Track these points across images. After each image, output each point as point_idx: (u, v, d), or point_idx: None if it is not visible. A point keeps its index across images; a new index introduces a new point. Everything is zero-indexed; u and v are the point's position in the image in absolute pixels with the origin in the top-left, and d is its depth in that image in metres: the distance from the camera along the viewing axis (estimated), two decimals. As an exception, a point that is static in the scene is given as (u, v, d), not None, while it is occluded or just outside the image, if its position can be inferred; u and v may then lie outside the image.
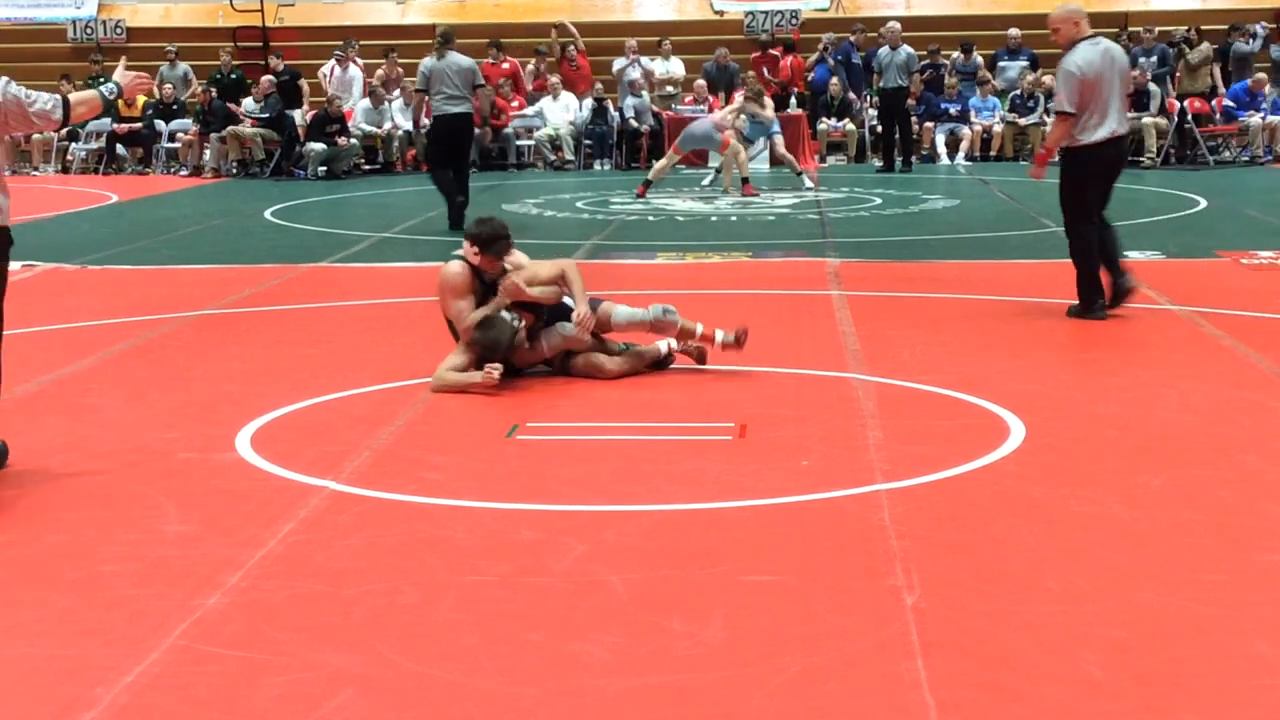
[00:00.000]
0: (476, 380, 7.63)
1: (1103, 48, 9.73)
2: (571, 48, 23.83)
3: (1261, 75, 22.12)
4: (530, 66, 23.80)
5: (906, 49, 21.40)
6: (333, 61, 23.47)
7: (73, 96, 6.55)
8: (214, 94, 23.11)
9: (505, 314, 7.80)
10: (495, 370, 7.60)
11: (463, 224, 14.74)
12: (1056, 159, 10.03)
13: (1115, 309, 9.72)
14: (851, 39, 23.47)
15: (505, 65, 23.40)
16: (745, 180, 18.33)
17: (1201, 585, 4.84)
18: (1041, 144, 10.01)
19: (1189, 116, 21.65)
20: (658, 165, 18.72)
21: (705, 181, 19.72)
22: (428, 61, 15.18)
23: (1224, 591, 4.78)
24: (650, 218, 16.32)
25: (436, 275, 8.05)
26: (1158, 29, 23.03)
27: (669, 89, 23.52)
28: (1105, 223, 9.98)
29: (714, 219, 16.10)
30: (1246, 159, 21.76)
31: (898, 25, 21.94)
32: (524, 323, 7.88)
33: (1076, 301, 9.79)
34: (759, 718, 3.94)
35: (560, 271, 7.95)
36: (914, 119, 22.27)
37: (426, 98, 15.37)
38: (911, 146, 21.73)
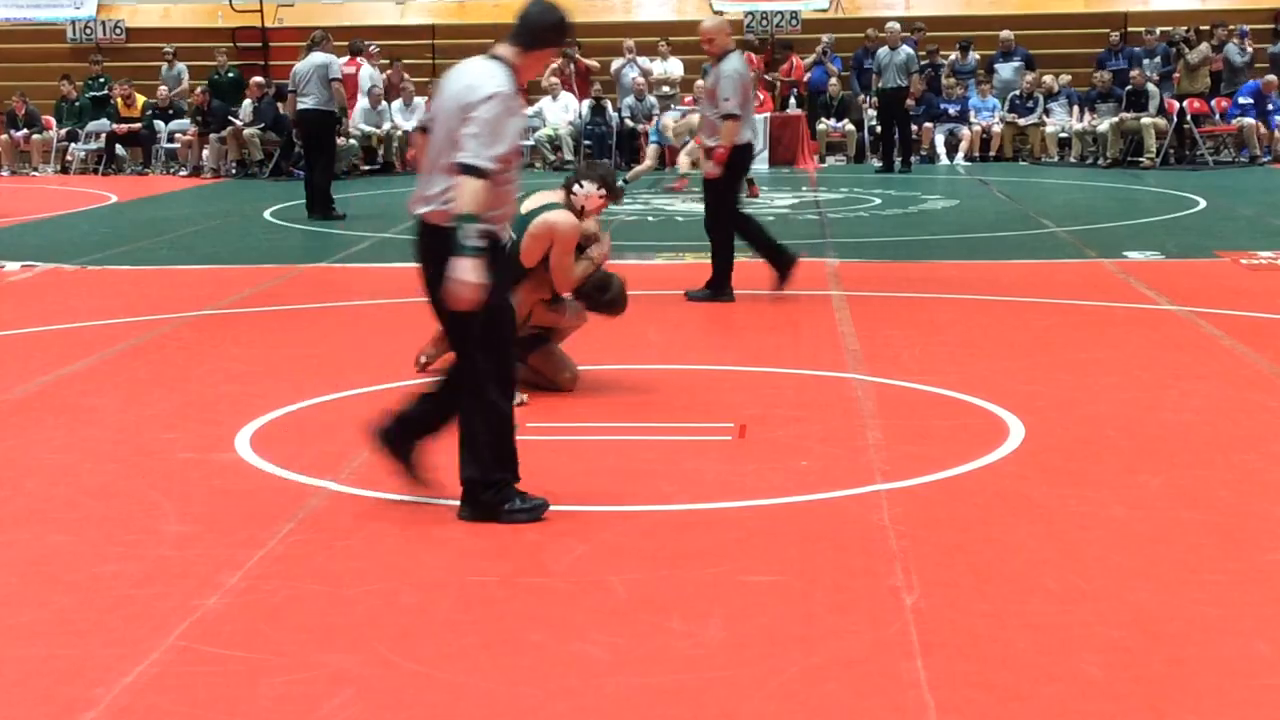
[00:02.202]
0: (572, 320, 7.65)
1: (743, 57, 10.62)
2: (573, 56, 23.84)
3: (1271, 77, 22.09)
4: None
5: (906, 49, 21.39)
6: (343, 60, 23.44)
7: None
8: (211, 95, 23.08)
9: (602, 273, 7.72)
10: (521, 400, 7.35)
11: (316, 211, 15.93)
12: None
13: (786, 284, 10.35)
14: (867, 45, 23.42)
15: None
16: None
17: (1201, 585, 4.85)
18: (710, 146, 10.41)
19: (1188, 117, 21.64)
20: (683, 161, 18.58)
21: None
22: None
23: (1224, 591, 4.79)
24: (650, 218, 16.32)
25: (543, 225, 7.43)
26: (1158, 29, 23.01)
27: (665, 89, 23.51)
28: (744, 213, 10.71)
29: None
30: (1245, 159, 21.76)
31: (897, 25, 21.94)
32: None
33: (779, 285, 10.40)
34: (759, 718, 3.94)
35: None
36: (913, 120, 22.30)
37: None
38: (911, 147, 21.73)
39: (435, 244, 5.46)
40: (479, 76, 5.40)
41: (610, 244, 7.82)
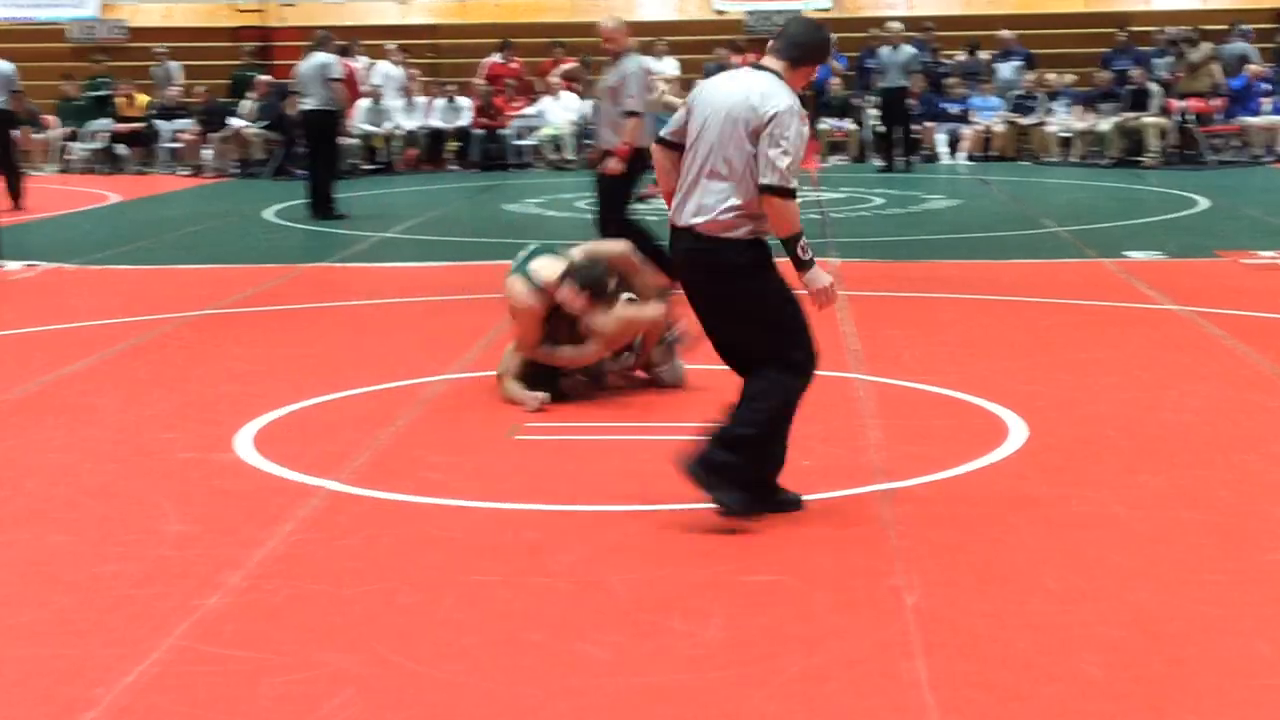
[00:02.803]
0: (525, 402, 7.37)
1: (641, 57, 10.69)
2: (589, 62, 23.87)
3: (1254, 66, 22.08)
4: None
5: (908, 48, 21.39)
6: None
7: None
8: (231, 94, 23.09)
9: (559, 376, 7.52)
10: (544, 400, 7.36)
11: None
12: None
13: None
14: (871, 44, 23.37)
15: (514, 65, 23.42)
16: None
17: (1201, 585, 4.85)
18: (613, 143, 10.39)
19: (1190, 116, 21.63)
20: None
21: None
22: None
23: (1224, 591, 4.78)
24: (650, 218, 16.30)
25: (507, 284, 7.51)
26: (1167, 29, 22.99)
27: (661, 86, 23.48)
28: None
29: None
30: (1247, 159, 21.75)
31: (899, 25, 21.93)
32: (583, 378, 7.61)
33: None
34: (759, 717, 3.94)
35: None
36: (914, 119, 22.30)
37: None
38: (913, 146, 21.71)
39: (714, 255, 5.42)
40: (767, 89, 5.36)
41: (592, 357, 7.53)
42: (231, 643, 4.45)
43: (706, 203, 5.40)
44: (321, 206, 16.27)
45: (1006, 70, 23.28)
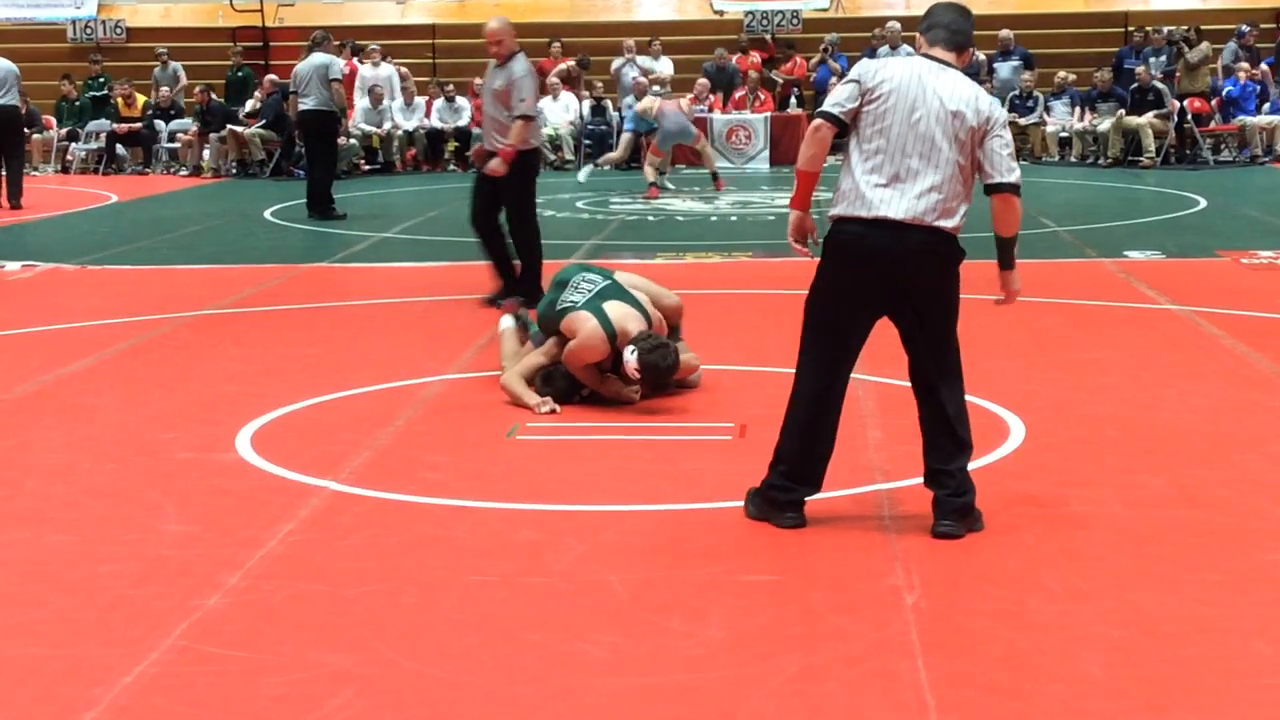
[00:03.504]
0: (534, 406, 7.32)
1: (527, 59, 10.67)
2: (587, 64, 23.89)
3: (1245, 64, 22.08)
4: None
5: (906, 49, 21.36)
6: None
7: None
8: (211, 95, 23.09)
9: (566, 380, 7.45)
10: (554, 409, 7.29)
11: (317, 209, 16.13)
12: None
13: (491, 303, 10.15)
14: (873, 44, 23.35)
15: None
16: (715, 175, 18.79)
17: (1201, 585, 4.85)
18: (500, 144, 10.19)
19: (1189, 116, 21.64)
20: (648, 169, 18.61)
21: (581, 177, 19.89)
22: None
23: (1223, 591, 4.79)
24: (650, 217, 16.32)
25: (575, 322, 7.37)
26: (1166, 29, 22.99)
27: (657, 88, 23.50)
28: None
29: (714, 219, 16.10)
30: (1246, 159, 21.76)
31: (898, 25, 21.92)
32: (586, 391, 7.50)
33: (490, 300, 10.22)
34: (759, 717, 3.94)
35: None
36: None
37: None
38: None
39: (946, 252, 5.37)
40: (979, 91, 5.36)
41: (633, 400, 7.42)
42: (231, 643, 4.45)
43: (950, 206, 5.31)
44: (319, 206, 16.27)
45: (1005, 70, 23.28)
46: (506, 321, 8.00)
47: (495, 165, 10.22)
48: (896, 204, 5.27)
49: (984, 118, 5.30)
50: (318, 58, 16.53)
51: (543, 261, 10.43)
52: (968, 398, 5.53)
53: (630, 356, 7.20)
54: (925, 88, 5.28)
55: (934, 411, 5.42)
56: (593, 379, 7.44)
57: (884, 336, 5.63)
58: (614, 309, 7.41)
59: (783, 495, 5.46)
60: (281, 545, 5.34)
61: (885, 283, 5.37)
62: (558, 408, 7.27)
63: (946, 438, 5.39)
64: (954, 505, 5.35)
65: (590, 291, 7.52)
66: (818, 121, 5.35)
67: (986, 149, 5.30)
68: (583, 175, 19.94)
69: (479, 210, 10.48)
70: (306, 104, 16.48)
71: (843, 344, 5.47)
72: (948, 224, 5.32)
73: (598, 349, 7.33)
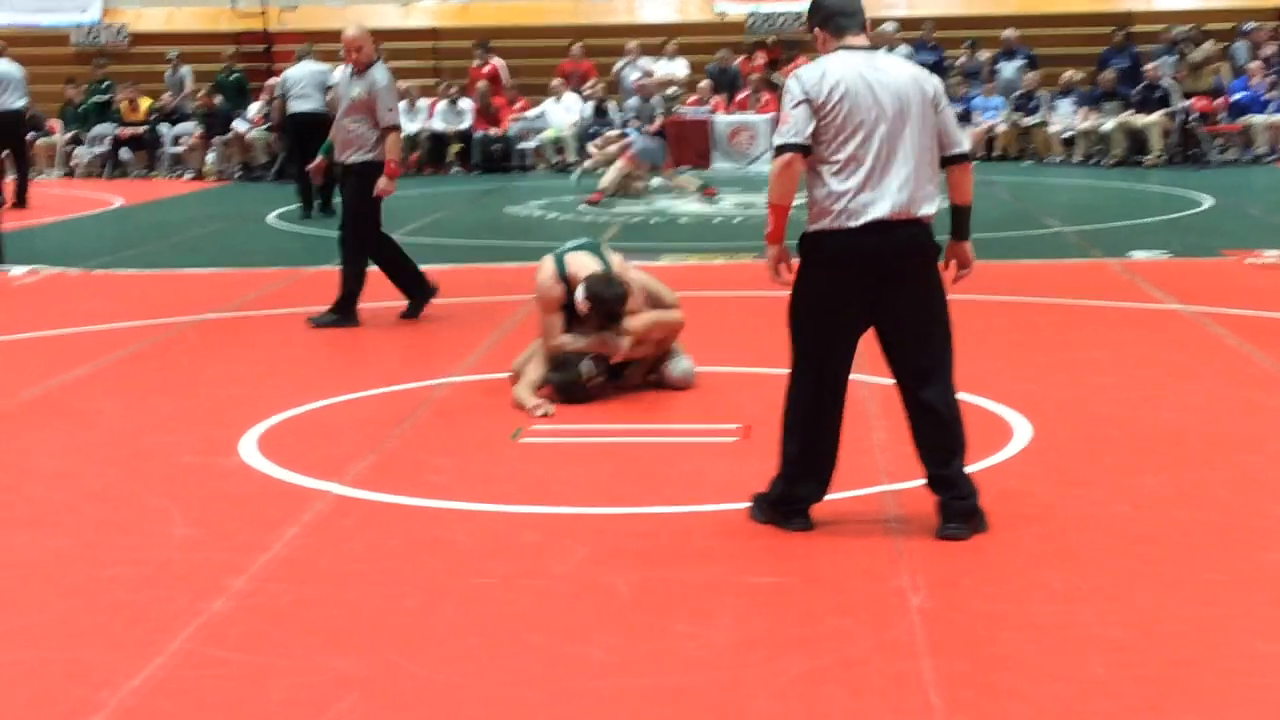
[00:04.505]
0: (531, 409, 7.32)
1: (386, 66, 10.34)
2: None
3: (1256, 63, 22.06)
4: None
5: (903, 49, 21.37)
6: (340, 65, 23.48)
7: None
8: (215, 99, 23.11)
9: (587, 361, 7.48)
10: (547, 411, 7.30)
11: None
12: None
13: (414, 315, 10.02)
14: (928, 42, 23.35)
15: (486, 69, 23.45)
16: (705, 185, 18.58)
17: (1202, 585, 4.85)
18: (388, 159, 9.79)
19: (1193, 115, 21.61)
20: (612, 171, 18.12)
21: (574, 177, 19.69)
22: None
23: (1224, 591, 4.79)
24: (653, 220, 16.33)
25: (538, 267, 7.71)
26: (1174, 28, 22.96)
27: (672, 90, 23.50)
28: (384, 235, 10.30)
29: (717, 221, 16.10)
30: (1250, 158, 21.73)
31: (890, 26, 21.91)
32: (600, 378, 7.54)
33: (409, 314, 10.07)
34: (762, 719, 3.95)
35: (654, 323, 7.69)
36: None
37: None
38: None
39: (928, 242, 5.39)
40: (910, 68, 5.40)
41: (619, 345, 7.54)
42: (236, 646, 4.46)
43: (929, 191, 5.34)
44: (318, 203, 16.62)
45: (1009, 70, 23.26)
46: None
47: (384, 185, 9.80)
48: (881, 204, 5.26)
49: (930, 92, 5.33)
50: (312, 64, 17.28)
51: (362, 286, 9.95)
52: (969, 397, 5.54)
53: (579, 292, 7.41)
54: (870, 82, 5.27)
55: (925, 413, 5.40)
56: (572, 343, 7.49)
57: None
58: (574, 257, 7.63)
59: (790, 505, 5.46)
60: (286, 549, 5.35)
61: (873, 283, 5.33)
62: (552, 410, 7.28)
63: (941, 439, 5.38)
64: (959, 509, 5.35)
65: (565, 247, 7.76)
66: (787, 156, 5.25)
67: (940, 121, 5.34)
68: (574, 178, 19.75)
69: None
70: (302, 106, 16.91)
71: (835, 351, 5.43)
72: (928, 211, 5.35)
73: (548, 286, 7.51)
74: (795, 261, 5.46)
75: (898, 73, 5.33)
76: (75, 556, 5.36)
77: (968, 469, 5.43)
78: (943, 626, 4.51)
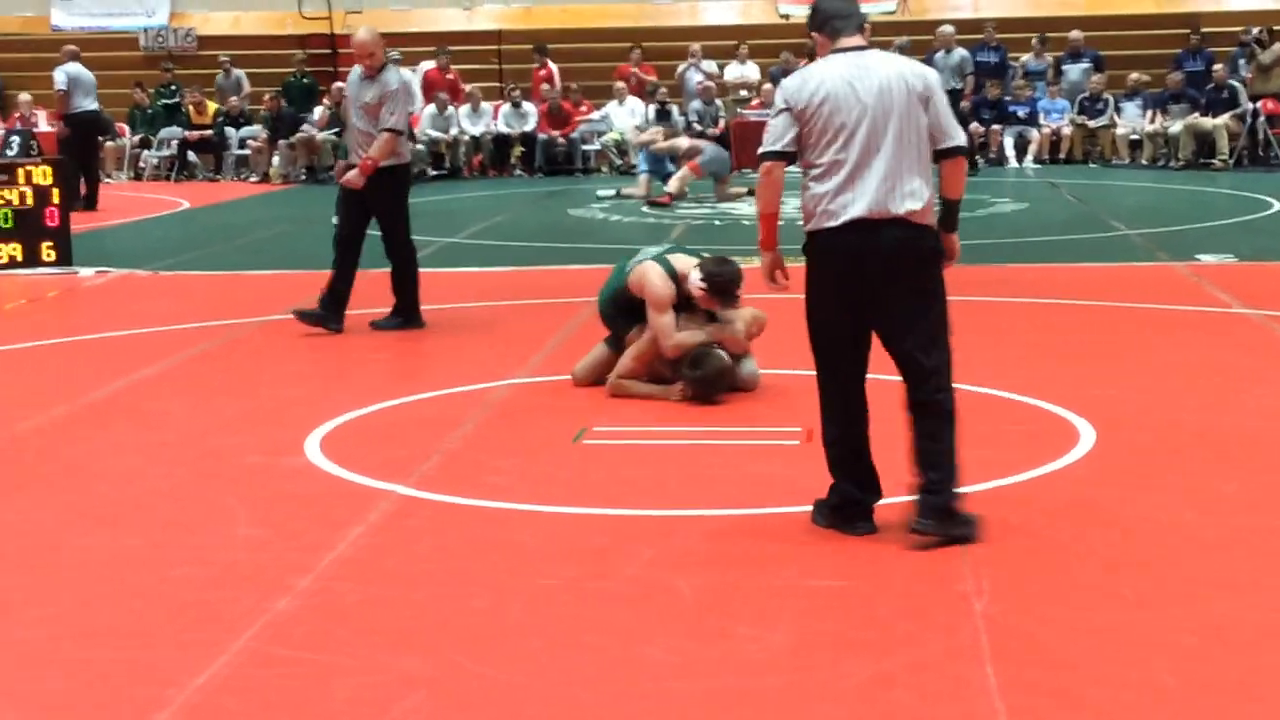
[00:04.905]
0: (668, 393, 7.51)
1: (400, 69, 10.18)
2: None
3: None
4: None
5: (960, 51, 21.24)
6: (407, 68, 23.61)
7: None
8: (283, 102, 23.28)
9: (718, 351, 7.54)
10: (682, 390, 7.49)
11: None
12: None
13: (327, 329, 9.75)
14: (935, 47, 23.22)
15: (544, 71, 23.53)
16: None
17: (1275, 592, 4.79)
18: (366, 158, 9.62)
19: (1261, 118, 21.38)
20: (675, 180, 18.05)
21: (604, 192, 19.40)
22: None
23: (1298, 598, 4.73)
24: (716, 222, 16.30)
25: (637, 272, 7.69)
26: (1238, 30, 22.72)
27: (743, 93, 23.47)
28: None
29: (780, 223, 16.03)
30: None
31: (950, 29, 21.78)
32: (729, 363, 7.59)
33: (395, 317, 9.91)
34: (827, 723, 3.93)
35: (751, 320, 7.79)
36: (981, 120, 22.17)
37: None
38: (971, 150, 21.52)
39: (922, 243, 5.36)
40: (899, 64, 5.35)
41: (743, 337, 7.66)
42: (302, 645, 4.48)
43: (913, 188, 5.27)
44: None
45: (1075, 73, 23.07)
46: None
47: (352, 176, 9.72)
48: (859, 203, 5.24)
49: (920, 86, 5.28)
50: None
51: (419, 283, 9.99)
52: (1033, 401, 5.49)
53: (695, 277, 7.46)
54: (853, 83, 5.24)
55: (918, 411, 5.37)
56: (699, 335, 7.54)
57: (952, 340, 5.57)
58: (677, 258, 7.70)
59: (852, 508, 5.44)
60: (351, 549, 5.37)
61: (858, 282, 5.32)
62: (685, 391, 7.47)
63: (932, 442, 5.31)
64: (932, 504, 5.26)
65: (653, 252, 7.83)
66: (767, 165, 5.34)
67: (931, 114, 5.28)
68: (602, 192, 19.55)
69: (352, 225, 9.96)
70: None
71: (843, 352, 5.44)
72: (911, 207, 5.26)
73: (666, 288, 7.55)
74: (795, 267, 5.52)
75: (884, 70, 5.29)
76: (144, 556, 5.40)
77: (965, 488, 5.35)
78: (1008, 632, 4.47)
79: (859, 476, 5.47)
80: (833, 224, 5.28)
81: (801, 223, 5.43)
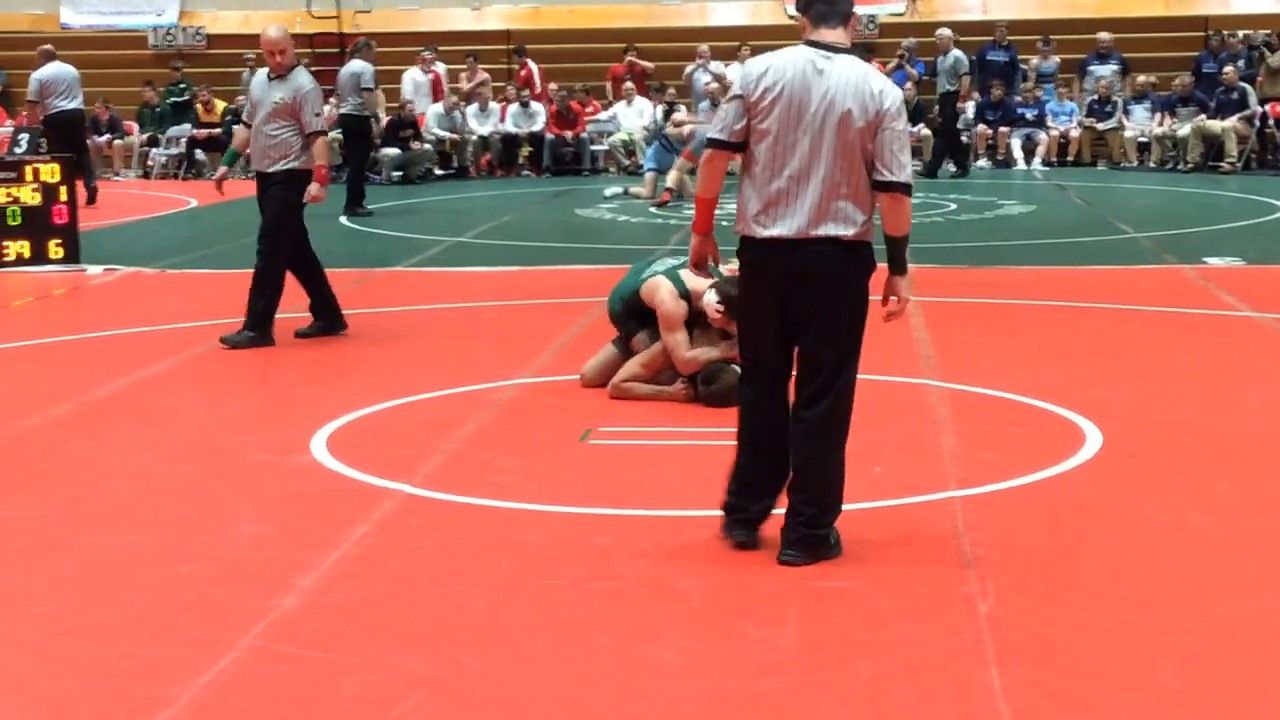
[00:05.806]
0: (670, 393, 7.55)
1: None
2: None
3: None
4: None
5: (956, 53, 21.20)
6: (415, 68, 23.60)
7: None
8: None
9: (732, 368, 7.39)
10: (686, 386, 7.52)
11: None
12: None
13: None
14: (1001, 42, 23.22)
15: (523, 72, 23.54)
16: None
17: (1279, 594, 4.79)
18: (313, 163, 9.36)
19: (1270, 121, 21.36)
20: (673, 173, 18.00)
21: (611, 191, 19.41)
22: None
23: (1303, 601, 4.72)
24: (724, 222, 16.25)
25: (649, 286, 7.65)
26: (1243, 33, 22.70)
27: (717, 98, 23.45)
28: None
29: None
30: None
31: (947, 31, 21.76)
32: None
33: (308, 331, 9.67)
34: (830, 724, 3.93)
35: None
36: (986, 122, 22.18)
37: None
38: (961, 151, 21.49)
39: (850, 265, 5.13)
40: (871, 77, 5.06)
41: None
42: (306, 643, 4.49)
43: (843, 209, 5.06)
44: (352, 202, 17.13)
45: (1102, 74, 22.90)
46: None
47: (315, 191, 9.43)
48: (787, 220, 5.08)
49: (874, 111, 5.01)
50: (354, 64, 17.44)
51: (278, 303, 9.47)
52: (1041, 404, 5.49)
53: (711, 298, 7.34)
54: (811, 88, 5.03)
55: (797, 427, 5.21)
56: (704, 354, 7.52)
57: (958, 342, 5.57)
58: (685, 274, 7.60)
59: (735, 513, 5.32)
60: (356, 547, 5.38)
61: (778, 296, 5.16)
62: (690, 389, 7.48)
63: (804, 464, 5.17)
64: (797, 536, 5.13)
65: (667, 264, 7.79)
66: (708, 152, 5.19)
67: (877, 143, 5.04)
68: (609, 191, 19.56)
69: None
70: (343, 109, 17.44)
71: (766, 356, 5.27)
72: (840, 231, 5.08)
73: (678, 306, 7.53)
74: (726, 257, 5.45)
75: (843, 80, 5.02)
76: (151, 553, 5.41)
77: (838, 507, 5.23)
78: (1012, 633, 4.47)
79: (770, 491, 5.29)
80: (759, 235, 5.13)
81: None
